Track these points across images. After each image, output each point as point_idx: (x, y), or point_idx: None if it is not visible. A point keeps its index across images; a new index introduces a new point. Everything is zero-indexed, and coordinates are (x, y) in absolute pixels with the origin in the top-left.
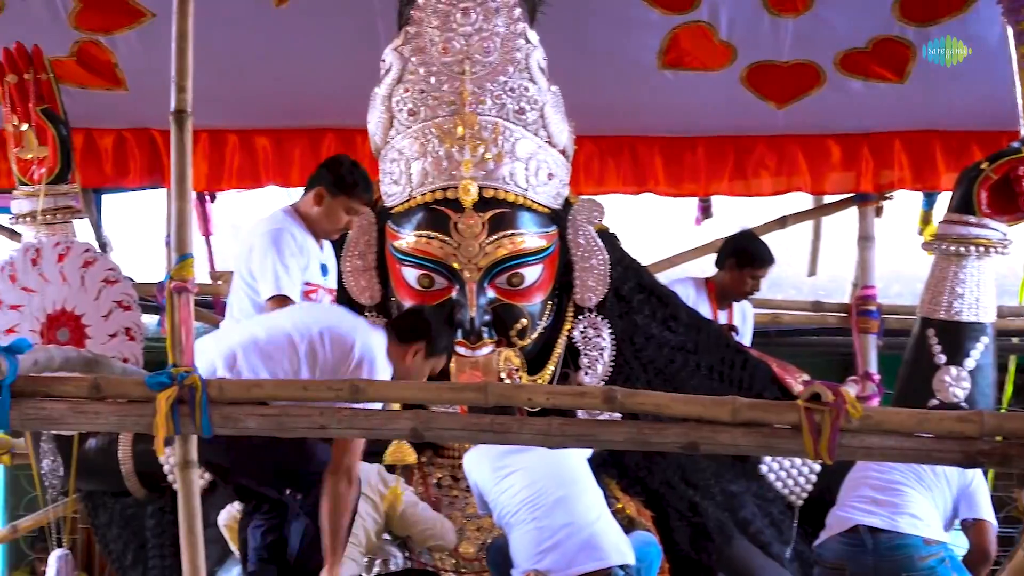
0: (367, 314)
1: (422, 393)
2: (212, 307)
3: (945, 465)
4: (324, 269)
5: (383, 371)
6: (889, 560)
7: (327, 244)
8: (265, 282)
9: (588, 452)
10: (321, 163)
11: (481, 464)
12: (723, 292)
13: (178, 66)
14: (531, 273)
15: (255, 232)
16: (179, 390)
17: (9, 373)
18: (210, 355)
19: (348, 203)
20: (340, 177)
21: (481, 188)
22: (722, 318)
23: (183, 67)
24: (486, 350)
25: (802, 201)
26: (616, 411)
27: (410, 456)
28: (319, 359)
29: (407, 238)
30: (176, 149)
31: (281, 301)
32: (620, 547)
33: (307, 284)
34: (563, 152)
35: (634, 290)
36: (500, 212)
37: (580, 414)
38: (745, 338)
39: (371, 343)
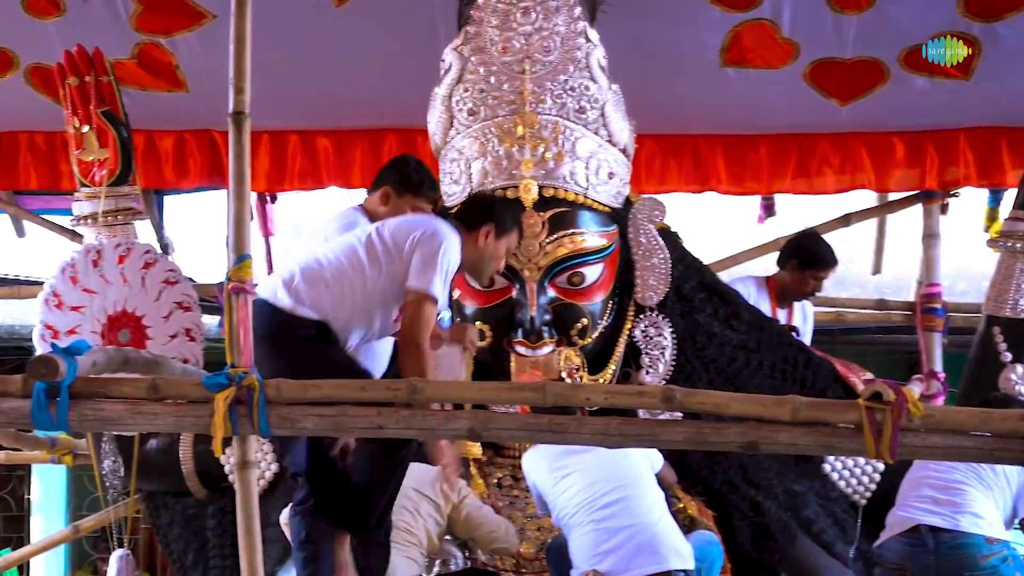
0: None
1: (481, 393)
2: None
3: (1008, 464)
4: None
5: (450, 236)
6: (951, 559)
7: None
8: None
9: (654, 453)
10: (387, 163)
11: (539, 465)
12: (784, 292)
13: (236, 68)
14: (592, 272)
15: (329, 227)
16: (237, 391)
17: (68, 374)
18: (273, 282)
19: (414, 202)
20: (406, 176)
21: (541, 187)
22: (782, 317)
23: (241, 69)
24: (546, 350)
25: (866, 199)
26: (675, 410)
27: (475, 449)
28: (378, 248)
29: None
30: (234, 151)
31: None
32: (680, 551)
33: None
34: (624, 151)
35: (695, 289)
36: (560, 211)
37: (641, 413)
38: (806, 338)
39: (432, 220)
